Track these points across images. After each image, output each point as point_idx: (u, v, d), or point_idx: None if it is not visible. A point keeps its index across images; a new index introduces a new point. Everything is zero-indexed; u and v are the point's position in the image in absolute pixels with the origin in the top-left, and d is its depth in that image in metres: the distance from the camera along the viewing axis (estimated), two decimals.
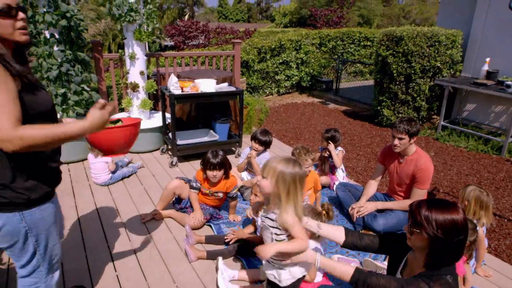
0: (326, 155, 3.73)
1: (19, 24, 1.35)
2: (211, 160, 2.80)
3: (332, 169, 3.75)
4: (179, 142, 4.13)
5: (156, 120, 4.62)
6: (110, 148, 1.76)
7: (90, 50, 4.90)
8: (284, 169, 1.68)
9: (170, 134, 4.32)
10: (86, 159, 4.02)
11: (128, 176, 3.86)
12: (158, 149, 4.59)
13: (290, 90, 9.61)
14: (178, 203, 3.17)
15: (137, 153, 4.48)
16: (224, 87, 4.24)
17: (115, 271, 2.45)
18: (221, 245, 2.73)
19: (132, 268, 2.48)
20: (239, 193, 3.35)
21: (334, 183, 3.66)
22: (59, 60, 3.78)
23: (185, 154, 4.24)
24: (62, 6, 3.66)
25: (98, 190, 3.57)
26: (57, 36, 3.79)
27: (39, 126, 1.26)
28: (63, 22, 3.69)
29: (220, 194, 3.01)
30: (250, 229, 2.79)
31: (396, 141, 2.79)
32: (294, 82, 9.40)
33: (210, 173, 2.83)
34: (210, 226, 3.03)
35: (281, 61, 8.97)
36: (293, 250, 1.73)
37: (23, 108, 1.28)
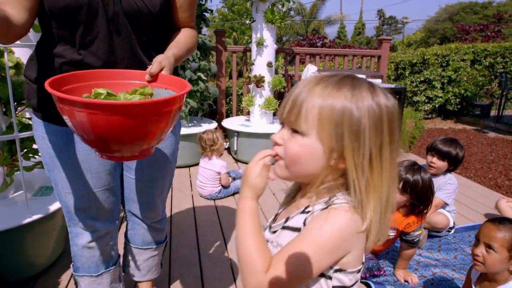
0: None
1: None
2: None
3: None
4: None
5: (279, 126, 3.65)
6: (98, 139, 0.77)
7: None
8: (355, 103, 0.62)
9: None
10: (197, 164, 3.16)
11: None
12: None
13: (430, 116, 7.91)
14: None
15: None
16: (378, 83, 3.07)
17: None
18: None
19: None
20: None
21: None
22: None
23: None
24: None
25: (201, 205, 2.66)
26: None
27: None
28: None
29: (391, 233, 1.78)
30: None
31: None
32: (436, 105, 7.70)
33: None
34: (369, 286, 1.81)
35: (422, 79, 7.43)
36: None
37: None
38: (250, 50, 3.79)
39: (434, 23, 29.27)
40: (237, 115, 4.24)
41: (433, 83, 7.58)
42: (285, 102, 0.68)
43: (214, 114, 4.10)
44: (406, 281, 1.83)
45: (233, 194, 2.85)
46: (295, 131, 0.65)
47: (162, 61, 0.93)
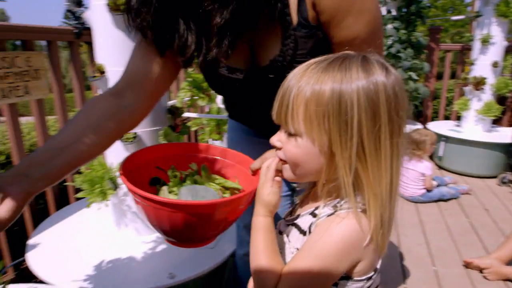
0: None
1: None
2: None
3: None
4: None
5: (497, 135, 3.19)
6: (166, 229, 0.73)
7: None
8: (344, 85, 0.54)
9: None
10: None
11: (446, 200, 2.70)
12: (495, 176, 3.13)
13: None
14: None
15: (461, 174, 3.22)
16: None
17: None
18: None
19: None
20: None
21: None
22: (390, 41, 3.12)
23: None
24: None
25: (403, 206, 2.62)
26: (394, 13, 3.15)
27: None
28: None
29: None
30: None
31: None
32: None
33: None
34: None
35: None
36: None
37: None
38: (468, 49, 3.44)
39: None
40: (444, 119, 3.91)
41: None
42: (275, 102, 0.63)
43: (418, 115, 3.90)
44: None
45: (437, 201, 2.68)
46: (289, 133, 0.61)
47: (268, 156, 0.81)
